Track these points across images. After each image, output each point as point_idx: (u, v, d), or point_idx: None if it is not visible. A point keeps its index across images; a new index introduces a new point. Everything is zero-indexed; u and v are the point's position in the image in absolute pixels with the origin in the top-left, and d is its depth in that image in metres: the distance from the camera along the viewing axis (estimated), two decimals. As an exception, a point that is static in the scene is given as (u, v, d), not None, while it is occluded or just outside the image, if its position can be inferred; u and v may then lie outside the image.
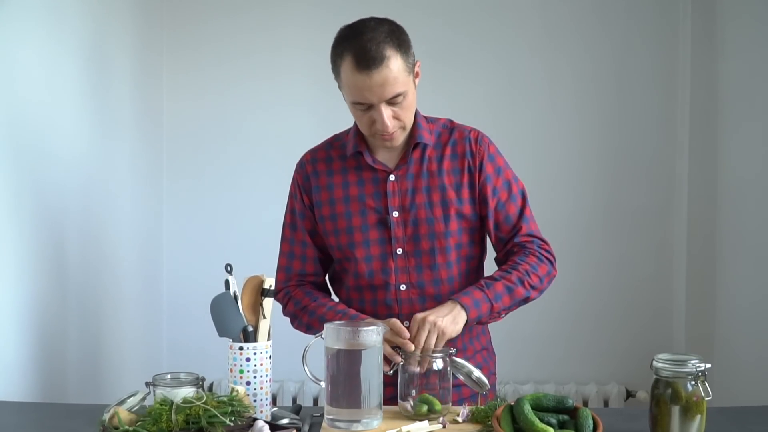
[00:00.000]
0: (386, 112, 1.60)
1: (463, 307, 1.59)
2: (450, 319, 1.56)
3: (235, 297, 1.53)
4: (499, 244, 1.77)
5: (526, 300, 1.70)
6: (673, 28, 2.99)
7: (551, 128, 3.03)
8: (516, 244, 1.74)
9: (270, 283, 1.54)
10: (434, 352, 1.53)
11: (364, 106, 1.61)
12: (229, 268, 1.55)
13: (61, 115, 2.16)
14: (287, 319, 1.84)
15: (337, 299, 1.84)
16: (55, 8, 2.12)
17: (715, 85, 2.83)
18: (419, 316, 1.56)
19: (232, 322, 1.51)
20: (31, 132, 1.99)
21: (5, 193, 1.85)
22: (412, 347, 1.54)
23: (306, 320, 1.75)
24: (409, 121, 1.67)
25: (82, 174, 2.29)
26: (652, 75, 3.01)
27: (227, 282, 1.54)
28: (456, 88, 3.00)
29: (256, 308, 1.53)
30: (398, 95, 1.59)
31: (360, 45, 1.55)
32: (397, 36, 1.59)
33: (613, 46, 3.01)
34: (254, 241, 2.97)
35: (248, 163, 3.06)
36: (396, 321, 1.58)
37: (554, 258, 1.76)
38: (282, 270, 1.83)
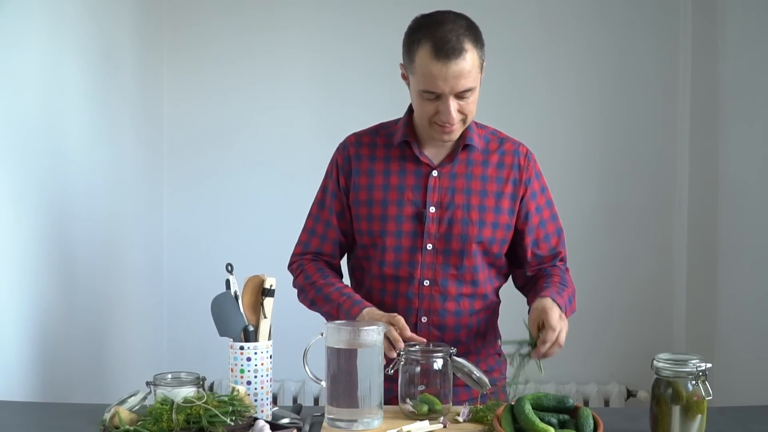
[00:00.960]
0: (453, 104, 1.61)
1: (560, 307, 1.61)
2: (564, 336, 1.57)
3: (236, 297, 1.53)
4: (534, 260, 1.78)
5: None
6: (674, 28, 2.99)
7: (551, 128, 3.03)
8: (554, 266, 1.78)
9: (270, 282, 1.54)
10: (434, 351, 1.53)
11: (433, 96, 1.61)
12: (229, 268, 1.55)
13: (62, 116, 2.16)
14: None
15: (348, 283, 1.83)
16: (55, 10, 2.12)
17: (715, 85, 2.83)
18: (557, 321, 1.55)
19: (233, 321, 1.51)
20: (33, 133, 1.99)
21: (7, 193, 1.85)
22: (402, 345, 1.53)
23: (311, 296, 1.75)
24: (471, 116, 1.68)
25: (84, 174, 2.29)
26: (653, 75, 3.01)
27: (228, 282, 1.54)
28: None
29: (257, 308, 1.53)
30: (468, 90, 1.60)
31: (441, 34, 1.57)
32: (474, 31, 1.62)
33: (613, 46, 3.01)
34: (255, 240, 2.97)
35: (249, 164, 3.05)
36: (400, 318, 1.58)
37: None
38: (300, 244, 1.84)
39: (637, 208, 3.03)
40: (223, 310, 1.53)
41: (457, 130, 1.67)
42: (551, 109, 3.03)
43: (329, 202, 1.80)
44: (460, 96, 1.61)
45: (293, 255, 1.84)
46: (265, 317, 1.52)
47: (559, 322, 1.55)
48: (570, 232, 2.98)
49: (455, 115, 1.62)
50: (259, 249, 2.73)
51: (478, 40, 1.61)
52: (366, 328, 1.43)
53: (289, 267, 1.84)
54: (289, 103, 3.04)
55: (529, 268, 1.79)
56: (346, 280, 1.87)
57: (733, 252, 2.71)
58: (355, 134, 1.82)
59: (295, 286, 1.83)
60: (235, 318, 1.51)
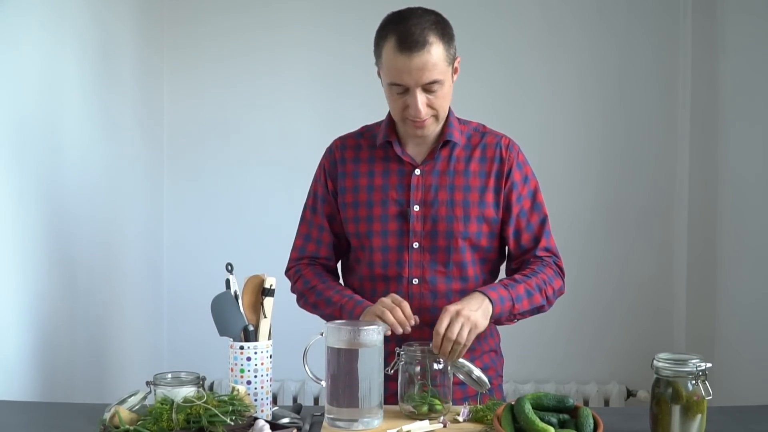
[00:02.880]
0: (420, 97, 1.61)
1: (490, 301, 1.59)
2: (481, 314, 1.56)
3: (236, 296, 1.53)
4: (517, 251, 1.77)
5: (539, 309, 1.71)
6: (674, 27, 2.99)
7: (551, 128, 3.03)
8: (534, 256, 1.75)
9: (270, 282, 1.54)
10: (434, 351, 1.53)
11: (400, 89, 1.62)
12: (229, 268, 1.55)
13: (62, 114, 2.16)
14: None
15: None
16: (55, 8, 2.12)
17: (715, 85, 2.83)
18: (452, 308, 1.54)
19: (233, 321, 1.51)
20: (33, 132, 1.99)
21: (7, 193, 1.85)
22: (408, 329, 1.56)
23: (312, 300, 1.76)
24: (442, 111, 1.68)
25: (84, 173, 2.29)
26: (653, 74, 3.01)
27: (228, 281, 1.54)
28: (457, 87, 2.99)
29: (257, 307, 1.53)
30: (435, 82, 1.61)
31: (405, 28, 1.58)
32: (442, 26, 1.62)
33: (613, 46, 3.01)
34: (255, 240, 2.97)
35: (249, 162, 3.06)
36: (395, 296, 1.61)
37: (563, 280, 1.77)
38: (296, 249, 1.85)
39: (637, 208, 3.03)
40: (223, 309, 1.53)
41: (430, 125, 1.68)
42: (551, 108, 3.03)
43: (320, 207, 1.82)
44: (427, 89, 1.62)
45: (290, 261, 1.85)
46: (265, 317, 1.53)
47: (447, 317, 1.51)
48: (570, 232, 3.01)
49: (423, 109, 1.63)
50: (259, 249, 2.73)
51: (445, 35, 1.62)
52: (366, 328, 1.43)
53: (287, 273, 1.85)
54: (290, 101, 3.04)
55: (514, 260, 1.79)
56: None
57: (733, 251, 2.71)
58: (340, 138, 1.84)
59: (293, 291, 1.84)
60: (235, 318, 1.51)
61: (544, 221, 1.78)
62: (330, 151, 1.83)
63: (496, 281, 1.69)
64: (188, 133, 3.06)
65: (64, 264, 2.16)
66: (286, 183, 2.98)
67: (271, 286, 1.54)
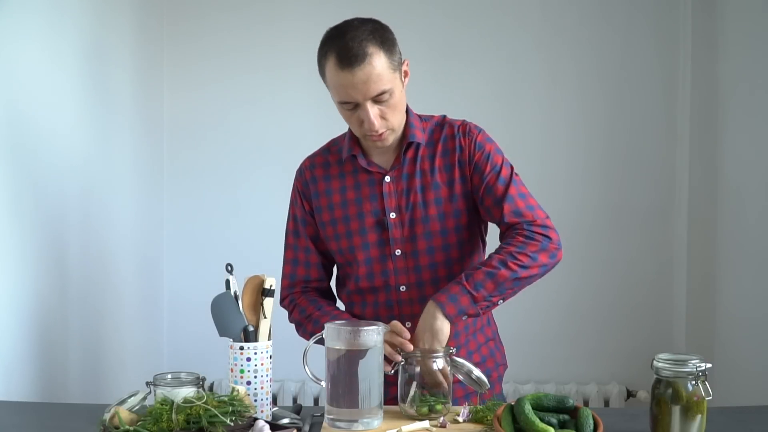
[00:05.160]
0: (372, 110, 1.60)
1: (438, 305, 1.57)
2: (429, 338, 1.56)
3: (236, 297, 1.53)
4: (501, 225, 1.70)
5: (517, 280, 1.61)
6: (674, 28, 2.99)
7: (551, 128, 3.03)
8: (506, 225, 1.68)
9: (270, 282, 1.54)
10: (434, 351, 1.53)
11: (351, 105, 1.61)
12: (229, 268, 1.55)
13: (62, 112, 2.16)
14: (288, 319, 1.85)
15: (342, 306, 1.85)
16: (55, 5, 2.12)
17: (715, 85, 2.83)
18: (415, 340, 1.56)
19: (233, 321, 1.51)
20: (32, 129, 1.99)
21: (5, 191, 1.85)
22: (411, 347, 1.54)
23: (310, 329, 1.75)
24: (397, 122, 1.66)
25: (83, 172, 2.29)
26: (653, 75, 3.01)
27: (228, 282, 1.54)
28: (457, 86, 3.00)
29: (257, 308, 1.53)
30: (383, 92, 1.58)
31: (342, 43, 1.56)
32: (380, 34, 1.59)
33: (613, 47, 3.01)
34: (255, 240, 2.97)
35: (249, 161, 3.06)
36: (396, 322, 1.59)
37: (547, 236, 1.65)
38: (286, 277, 1.83)
39: (637, 209, 3.03)
40: (223, 310, 1.53)
41: (387, 136, 1.66)
42: (551, 109, 3.03)
43: (302, 230, 1.81)
44: (378, 101, 1.59)
45: (283, 290, 1.84)
46: (265, 317, 1.52)
47: (417, 349, 1.54)
48: (570, 232, 2.98)
49: (377, 122, 1.60)
50: (259, 249, 2.72)
51: (384, 42, 1.58)
52: (366, 328, 1.43)
53: (282, 303, 1.84)
54: (290, 98, 3.04)
55: (500, 234, 1.72)
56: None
57: (733, 252, 2.71)
58: (308, 157, 1.84)
59: (291, 321, 1.83)
60: (235, 318, 1.51)
61: (506, 189, 1.68)
62: (300, 173, 1.82)
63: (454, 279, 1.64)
64: (188, 132, 3.06)
65: (63, 264, 2.16)
66: (287, 182, 2.95)
67: (270, 286, 1.54)
